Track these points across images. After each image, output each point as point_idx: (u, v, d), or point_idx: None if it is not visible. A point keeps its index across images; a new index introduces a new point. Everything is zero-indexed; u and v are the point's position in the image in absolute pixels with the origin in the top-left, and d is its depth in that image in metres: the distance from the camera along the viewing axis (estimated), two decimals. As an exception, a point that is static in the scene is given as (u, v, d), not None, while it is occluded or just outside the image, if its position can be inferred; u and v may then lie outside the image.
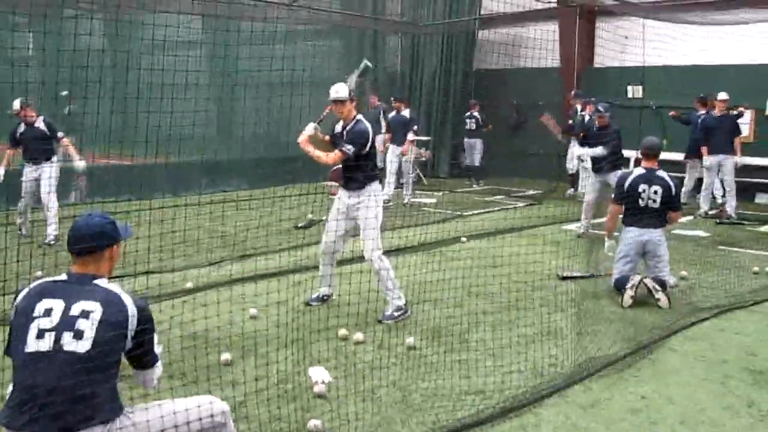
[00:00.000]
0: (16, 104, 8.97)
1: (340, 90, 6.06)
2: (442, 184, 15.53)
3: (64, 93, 9.90)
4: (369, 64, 6.55)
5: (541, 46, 13.89)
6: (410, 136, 12.61)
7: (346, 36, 16.08)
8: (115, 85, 10.87)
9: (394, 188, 12.66)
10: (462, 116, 15.84)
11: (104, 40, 13.50)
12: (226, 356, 5.17)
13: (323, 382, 4.68)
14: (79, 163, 9.47)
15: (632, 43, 14.32)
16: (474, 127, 15.39)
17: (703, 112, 12.04)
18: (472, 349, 5.45)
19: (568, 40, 15.30)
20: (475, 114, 15.37)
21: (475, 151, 15.49)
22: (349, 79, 6.31)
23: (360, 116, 6.14)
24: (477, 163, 15.55)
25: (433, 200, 13.36)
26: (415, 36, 17.02)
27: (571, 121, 12.50)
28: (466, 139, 15.64)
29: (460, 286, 6.94)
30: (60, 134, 9.23)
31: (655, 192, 6.83)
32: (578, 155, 10.08)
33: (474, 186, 15.22)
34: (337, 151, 6.04)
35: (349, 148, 5.96)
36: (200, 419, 3.12)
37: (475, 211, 12.16)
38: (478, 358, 5.25)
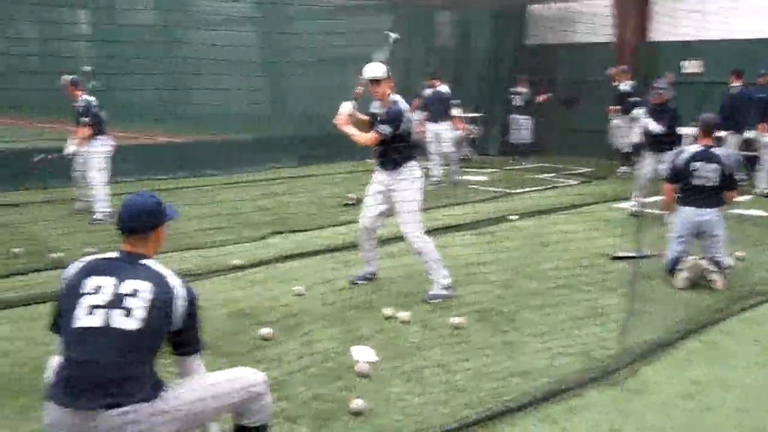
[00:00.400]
0: (64, 80, 9.08)
1: (375, 69, 5.95)
2: (492, 161, 15.32)
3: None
4: (393, 35, 6.35)
5: (594, 20, 13.56)
6: (456, 112, 12.41)
7: (397, 11, 15.92)
8: (166, 62, 10.92)
9: (441, 167, 12.41)
10: (510, 92, 15.54)
11: (155, 15, 13.65)
12: (265, 330, 5.18)
13: (367, 362, 4.66)
14: (70, 148, 9.16)
15: (689, 17, 13.87)
16: (521, 103, 15.08)
17: (738, 84, 11.73)
18: (519, 330, 5.36)
19: (622, 13, 14.89)
20: (521, 90, 15.05)
21: (522, 129, 15.20)
22: (381, 54, 6.14)
23: (397, 96, 6.05)
24: (526, 141, 15.27)
25: (483, 178, 13.19)
26: (464, 11, 16.76)
27: (634, 99, 12.17)
28: (512, 116, 15.37)
29: (508, 266, 6.85)
30: (84, 119, 8.88)
31: (710, 170, 6.61)
32: (642, 125, 9.77)
33: (522, 164, 14.94)
34: (373, 131, 5.99)
35: (385, 129, 5.90)
36: (239, 390, 3.12)
37: (526, 189, 11.99)
38: (525, 340, 5.16)
